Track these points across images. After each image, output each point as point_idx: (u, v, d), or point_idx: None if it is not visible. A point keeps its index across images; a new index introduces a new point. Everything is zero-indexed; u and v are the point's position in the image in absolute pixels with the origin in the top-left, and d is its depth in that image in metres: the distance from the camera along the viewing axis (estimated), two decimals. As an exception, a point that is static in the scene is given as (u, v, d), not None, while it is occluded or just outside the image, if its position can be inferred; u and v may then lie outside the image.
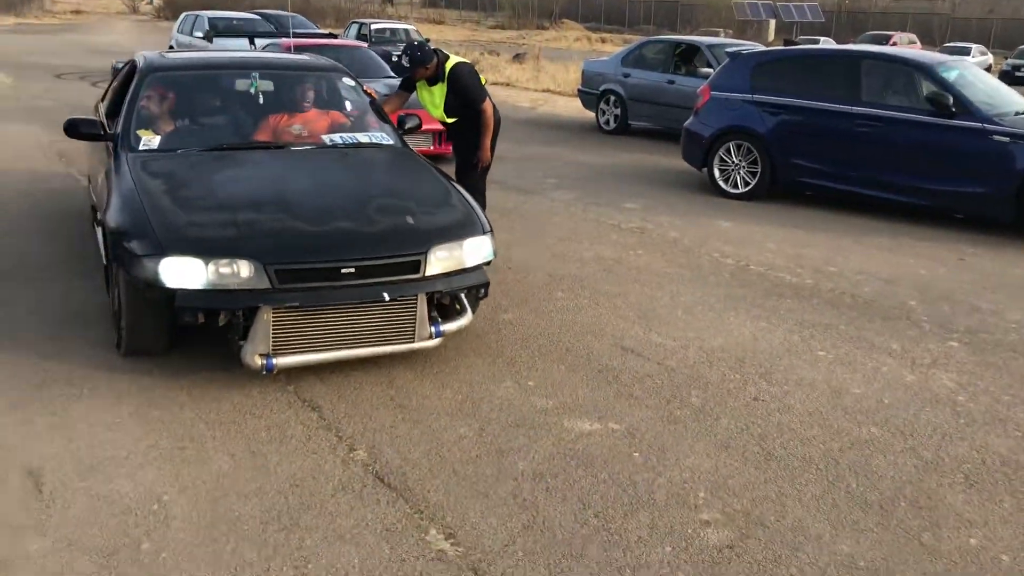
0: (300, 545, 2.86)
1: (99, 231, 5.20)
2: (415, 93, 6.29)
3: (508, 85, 20.30)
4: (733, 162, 8.67)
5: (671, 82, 12.23)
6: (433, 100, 6.22)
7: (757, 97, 8.55)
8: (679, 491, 3.27)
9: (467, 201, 4.60)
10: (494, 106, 6.30)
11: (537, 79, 21.10)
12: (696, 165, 9.09)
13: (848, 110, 7.97)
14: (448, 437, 3.62)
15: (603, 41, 43.59)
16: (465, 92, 6.11)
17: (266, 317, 3.79)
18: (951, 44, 36.79)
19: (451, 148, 6.85)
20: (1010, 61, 33.62)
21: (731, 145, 8.66)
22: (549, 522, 3.04)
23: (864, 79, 8.06)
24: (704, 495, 3.25)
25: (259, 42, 11.71)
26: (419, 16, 51.28)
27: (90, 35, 31.91)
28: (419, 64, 6.00)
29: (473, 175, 6.31)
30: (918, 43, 38.70)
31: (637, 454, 3.54)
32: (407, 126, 5.68)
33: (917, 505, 3.23)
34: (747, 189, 8.58)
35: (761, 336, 4.93)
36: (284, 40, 11.21)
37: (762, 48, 10.69)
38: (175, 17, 27.03)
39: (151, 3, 55.57)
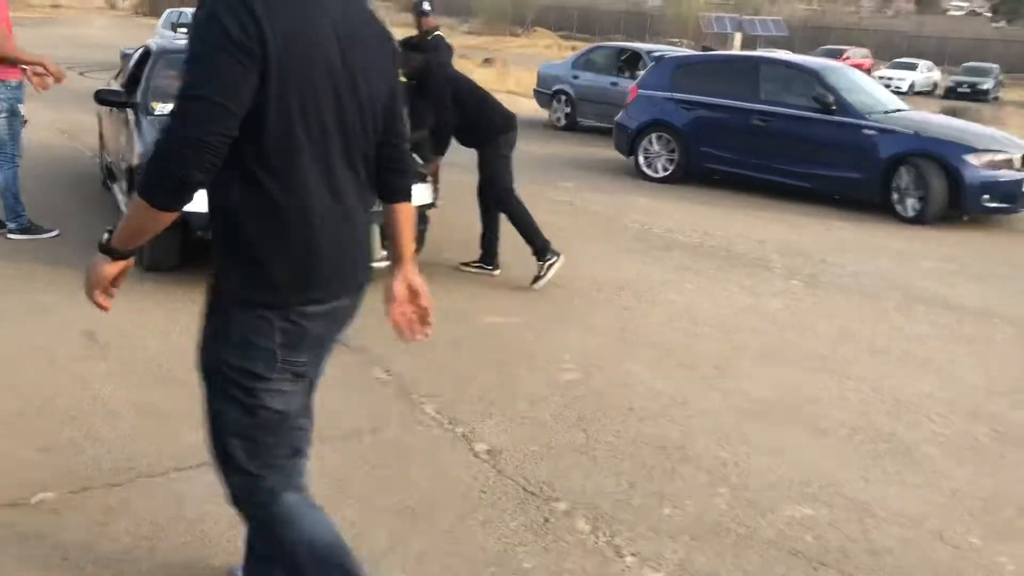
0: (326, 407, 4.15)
1: (115, 185, 6.44)
2: None
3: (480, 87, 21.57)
4: (655, 151, 10.08)
5: (614, 84, 13.64)
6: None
7: (676, 95, 9.97)
8: (552, 353, 4.61)
9: (411, 156, 5.92)
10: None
11: (503, 82, 22.46)
12: (624, 153, 10.49)
13: (748, 107, 9.41)
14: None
15: (573, 48, 44.90)
16: (442, 52, 7.58)
17: None
18: (901, 60, 38.66)
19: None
20: (954, 78, 35.63)
21: (653, 136, 10.07)
22: (456, 365, 4.37)
23: (762, 81, 9.52)
24: (568, 356, 4.60)
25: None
26: (395, 20, 52.45)
27: (71, 28, 32.81)
28: (425, 14, 7.91)
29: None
30: (871, 58, 40.61)
31: (528, 334, 4.89)
32: None
33: (720, 368, 4.60)
34: (666, 174, 9.99)
35: (644, 273, 6.30)
36: None
37: (682, 53, 12.12)
38: (152, 13, 28.08)
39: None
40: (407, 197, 2.30)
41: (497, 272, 5.98)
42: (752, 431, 3.86)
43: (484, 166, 5.95)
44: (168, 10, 22.13)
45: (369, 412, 3.83)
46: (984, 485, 3.50)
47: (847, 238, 7.83)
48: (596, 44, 16.16)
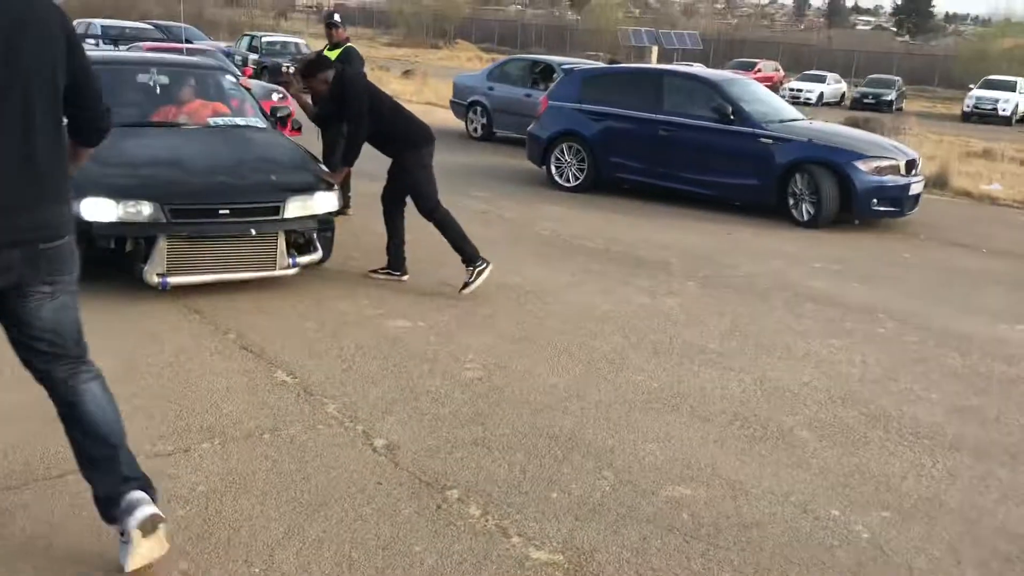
0: (186, 380, 4.22)
1: None
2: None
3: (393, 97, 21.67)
4: (566, 160, 10.34)
5: (528, 95, 13.91)
6: None
7: (584, 106, 10.26)
8: (455, 355, 4.77)
9: (318, 167, 6.08)
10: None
11: (421, 93, 22.62)
12: (537, 163, 10.74)
13: (653, 117, 9.74)
14: (296, 327, 5.04)
15: (494, 61, 45.50)
16: (353, 62, 7.71)
17: (162, 244, 5.15)
18: (810, 72, 39.97)
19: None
20: (859, 89, 36.99)
21: (563, 146, 10.34)
22: (359, 368, 4.50)
23: (666, 92, 9.87)
24: (471, 356, 4.77)
25: (121, 46, 14.13)
26: (314, 31, 52.05)
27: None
28: (335, 26, 7.98)
29: (339, 150, 7.83)
30: (781, 70, 41.92)
31: (433, 337, 5.04)
32: (278, 115, 7.10)
33: (614, 363, 4.82)
34: (577, 183, 10.26)
35: (548, 277, 6.51)
36: (144, 44, 13.63)
37: (589, 65, 12.47)
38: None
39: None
40: (95, 143, 2.84)
41: (406, 277, 6.12)
42: (640, 420, 4.08)
43: (404, 176, 6.00)
44: (75, 20, 21.77)
45: (272, 413, 3.93)
46: (848, 463, 3.78)
47: (744, 242, 8.19)
48: (510, 56, 16.45)
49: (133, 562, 2.64)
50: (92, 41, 19.21)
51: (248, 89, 7.27)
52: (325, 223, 5.76)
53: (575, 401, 4.25)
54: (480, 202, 9.27)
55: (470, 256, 5.89)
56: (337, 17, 8.17)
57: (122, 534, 2.68)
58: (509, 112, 14.18)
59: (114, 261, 5.35)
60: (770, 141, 9.08)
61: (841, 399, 4.51)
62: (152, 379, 4.21)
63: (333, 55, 8.01)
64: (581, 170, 10.25)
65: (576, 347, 5.03)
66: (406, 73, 28.42)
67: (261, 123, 6.78)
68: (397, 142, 5.99)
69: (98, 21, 21.29)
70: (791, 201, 9.00)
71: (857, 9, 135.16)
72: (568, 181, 10.33)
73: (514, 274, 6.49)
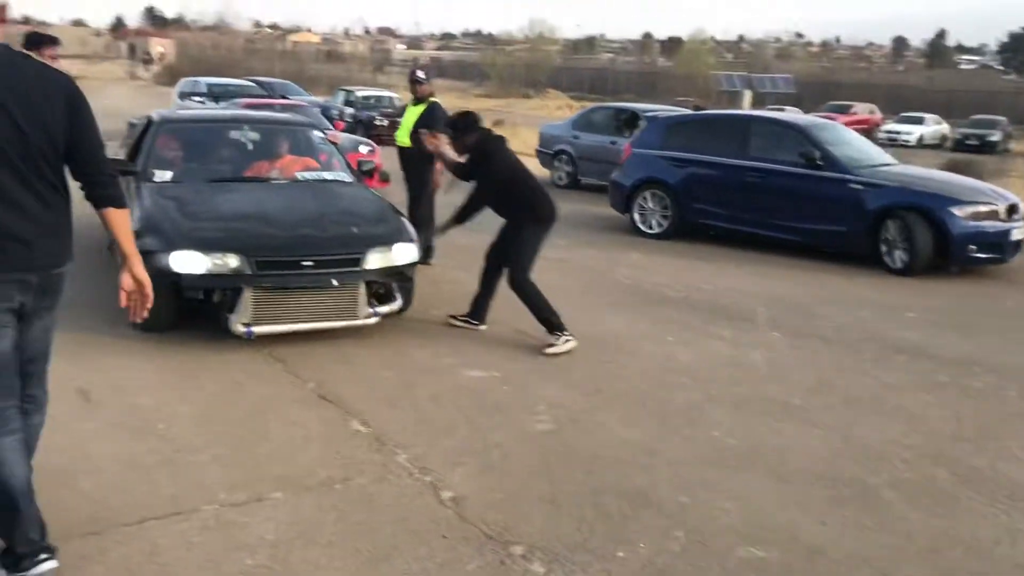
0: (264, 429, 4.31)
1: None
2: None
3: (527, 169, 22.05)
4: (649, 208, 10.29)
5: (613, 143, 13.93)
6: (409, 119, 8.13)
7: (668, 153, 10.21)
8: (527, 407, 4.75)
9: (399, 219, 6.20)
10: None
11: (509, 142, 22.88)
12: (620, 211, 10.71)
13: (739, 163, 9.62)
14: (375, 376, 5.11)
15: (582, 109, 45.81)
16: (435, 119, 7.84)
17: (248, 295, 5.31)
18: (908, 114, 38.94)
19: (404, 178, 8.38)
20: (960, 130, 35.84)
21: (647, 193, 10.29)
22: (433, 418, 4.52)
23: (752, 138, 9.75)
24: (544, 408, 4.73)
25: (222, 103, 15.24)
26: (400, 84, 53.50)
27: (92, 99, 33.59)
28: (420, 82, 8.13)
29: (423, 202, 7.97)
30: (878, 112, 40.97)
31: (507, 388, 5.04)
32: (363, 168, 7.29)
33: (690, 417, 4.71)
34: (661, 230, 10.18)
35: (626, 326, 6.45)
36: (242, 100, 14.43)
37: (673, 113, 12.42)
38: (172, 83, 28.98)
39: (148, 70, 58.04)
40: (111, 204, 2.98)
41: (483, 327, 6.15)
42: (715, 478, 3.97)
43: (517, 242, 5.95)
44: (184, 79, 22.92)
45: (344, 462, 3.97)
46: (936, 526, 3.59)
47: (834, 290, 7.96)
48: (595, 105, 16.55)
49: None
50: (198, 99, 20.14)
51: (335, 143, 7.49)
52: (404, 274, 5.86)
53: (647, 457, 4.17)
54: (561, 250, 9.25)
55: (556, 326, 5.79)
56: (421, 73, 8.35)
57: None
58: (594, 160, 14.22)
59: (202, 311, 5.54)
60: (860, 187, 8.85)
61: (931, 457, 4.30)
62: (232, 427, 4.31)
63: (418, 110, 8.19)
64: (665, 217, 10.17)
65: (652, 400, 4.94)
66: (496, 123, 28.74)
67: (347, 177, 6.96)
68: (524, 211, 6.00)
69: (204, 79, 22.34)
70: (883, 248, 8.72)
71: (960, 48, 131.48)
72: (652, 228, 10.27)
73: (591, 324, 6.45)
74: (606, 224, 11.09)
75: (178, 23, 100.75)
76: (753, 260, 9.11)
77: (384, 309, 5.77)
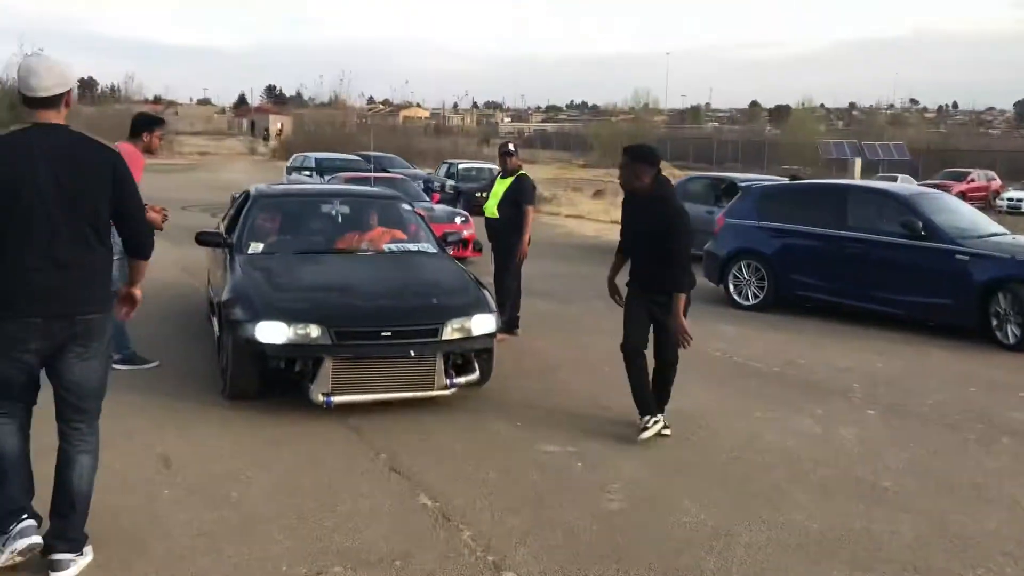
0: (333, 501, 4.32)
1: (214, 319, 6.97)
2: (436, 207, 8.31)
3: (580, 217, 22.19)
4: (744, 278, 10.07)
5: (711, 213, 13.74)
6: (498, 191, 8.25)
7: (763, 224, 10.01)
8: (600, 484, 4.62)
9: (480, 289, 6.22)
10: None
11: (608, 212, 22.92)
12: (714, 281, 10.51)
13: (837, 233, 9.34)
14: (447, 448, 5.07)
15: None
16: (524, 191, 8.06)
17: (327, 365, 5.39)
18: (1030, 181, 37.29)
19: (492, 247, 8.46)
20: (1090, 197, 34.00)
21: (742, 264, 10.08)
22: (501, 494, 4.44)
23: (850, 207, 9.46)
24: (618, 486, 4.60)
25: (326, 176, 15.99)
26: (485, 152, 54.36)
27: (213, 173, 35.61)
28: (511, 155, 8.26)
29: (509, 274, 8.01)
30: (997, 179, 39.41)
31: (580, 464, 4.92)
32: (449, 240, 7.37)
33: (772, 500, 4.49)
34: (756, 301, 9.93)
35: (713, 401, 6.25)
36: (344, 175, 15.12)
37: (768, 183, 12.19)
38: (287, 158, 30.54)
39: (267, 146, 60.95)
40: (138, 257, 3.69)
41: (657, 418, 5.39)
42: (792, 566, 3.76)
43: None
44: (295, 154, 23.93)
45: (408, 538, 3.93)
46: (1036, 630, 3.29)
47: (937, 366, 7.56)
48: (693, 174, 16.43)
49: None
50: (307, 172, 20.98)
51: (422, 216, 7.63)
52: (483, 345, 5.85)
53: (722, 540, 3.98)
54: (653, 322, 9.13)
55: (649, 408, 5.39)
56: (511, 146, 8.48)
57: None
58: (692, 230, 14.04)
59: (285, 379, 5.64)
60: (967, 257, 8.45)
61: (1035, 551, 3.97)
62: (302, 499, 4.33)
63: (507, 182, 8.28)
64: (760, 288, 9.93)
65: (733, 480, 4.74)
66: (597, 193, 28.95)
67: (432, 248, 7.07)
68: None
69: (313, 154, 23.28)
70: (994, 322, 8.25)
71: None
72: (747, 299, 10.02)
73: (678, 397, 6.23)
74: (701, 295, 10.84)
75: (296, 100, 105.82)
76: (851, 334, 8.76)
77: (462, 380, 5.77)
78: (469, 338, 5.75)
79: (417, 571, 3.63)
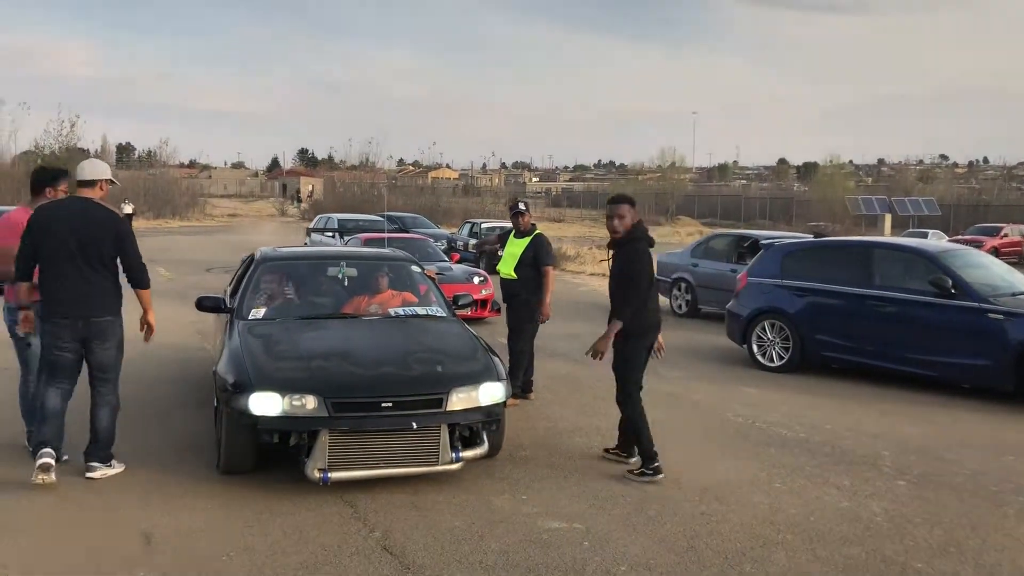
0: (318, 583, 4.04)
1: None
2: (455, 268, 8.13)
3: (604, 275, 21.91)
4: (768, 338, 9.73)
5: (733, 271, 13.46)
6: (514, 251, 7.96)
7: (786, 282, 9.71)
8: (606, 566, 4.30)
9: (489, 356, 5.87)
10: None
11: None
12: (737, 341, 10.18)
13: (863, 292, 9.01)
14: (446, 525, 4.77)
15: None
16: (542, 251, 7.85)
17: (324, 438, 5.06)
18: (1065, 233, 36.56)
19: (507, 308, 8.20)
20: None
21: (765, 324, 9.76)
22: (499, 577, 4.13)
23: (876, 265, 9.14)
24: (625, 568, 4.27)
25: (346, 237, 15.96)
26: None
27: (240, 235, 35.87)
28: (522, 214, 8.00)
29: (524, 337, 7.75)
30: (1030, 232, 38.65)
31: (587, 543, 4.60)
32: (460, 303, 7.12)
33: (793, 583, 4.15)
34: (781, 363, 9.57)
35: (731, 471, 5.90)
36: (362, 235, 14.96)
37: (791, 240, 11.89)
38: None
39: (297, 207, 61.62)
40: (138, 287, 5.51)
41: (633, 460, 5.90)
42: (813, 662, 3.40)
43: (622, 357, 5.84)
44: (318, 215, 24.00)
45: (393, 627, 3.63)
46: None
47: (972, 432, 7.15)
48: (715, 232, 16.19)
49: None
50: (329, 233, 20.97)
51: (432, 278, 7.40)
52: (491, 416, 5.51)
53: (736, 631, 3.64)
54: (672, 383, 8.81)
55: (649, 456, 5.71)
56: (522, 205, 8.20)
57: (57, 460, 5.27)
58: (714, 288, 13.78)
59: (280, 452, 5.35)
60: (1001, 316, 8.08)
61: (1085, 646, 3.58)
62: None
63: (523, 242, 8.01)
64: (785, 348, 9.58)
65: (749, 561, 4.40)
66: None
67: (441, 311, 6.78)
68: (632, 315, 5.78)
69: (336, 215, 23.37)
70: (1032, 383, 7.85)
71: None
72: (771, 361, 9.67)
73: (693, 468, 5.95)
74: (724, 356, 10.55)
75: (327, 163, 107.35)
76: (881, 397, 8.37)
77: (469, 454, 5.41)
78: (476, 408, 5.41)
79: (399, 667, 3.33)
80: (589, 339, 11.42)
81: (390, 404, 5.20)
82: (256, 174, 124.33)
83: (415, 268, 7.41)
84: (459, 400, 5.35)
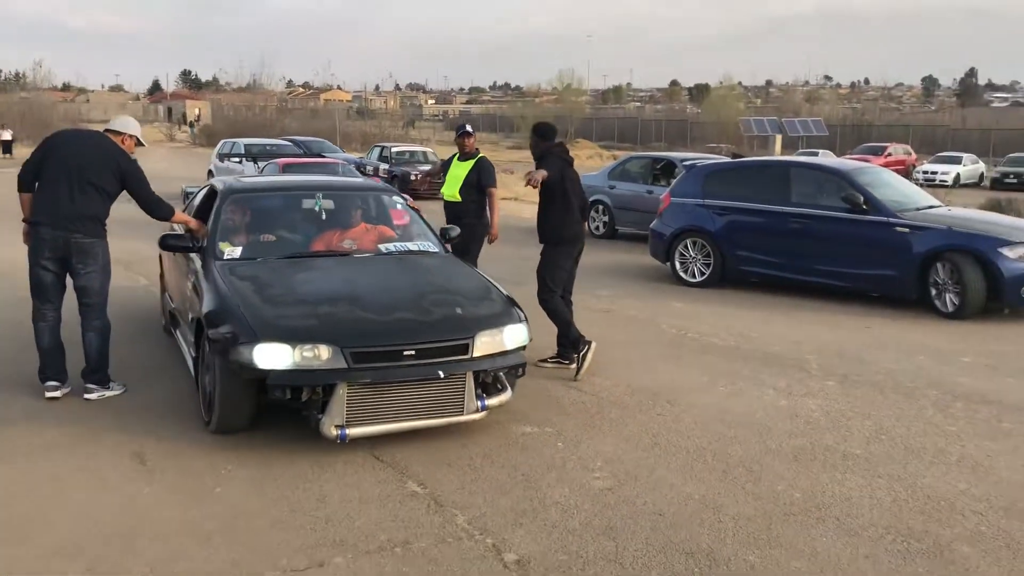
0: (320, 491, 4.28)
1: (177, 332, 6.44)
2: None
3: (516, 199, 22.20)
4: (690, 256, 10.25)
5: (650, 192, 13.96)
6: (458, 174, 7.98)
7: (708, 201, 10.19)
8: (583, 463, 4.69)
9: (505, 296, 5.53)
10: None
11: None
12: (661, 260, 10.67)
13: (780, 210, 9.57)
14: (426, 435, 5.02)
15: (614, 158, 45.94)
16: (486, 173, 7.97)
17: (342, 392, 4.58)
18: (944, 154, 38.65)
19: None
20: (999, 168, 35.46)
21: (688, 242, 10.26)
22: (488, 477, 4.47)
23: (793, 184, 9.71)
24: (600, 464, 4.67)
25: (260, 163, 15.30)
26: (440, 139, 54.10)
27: (140, 161, 34.43)
28: (468, 135, 8.06)
29: (469, 258, 7.95)
30: (913, 154, 40.70)
31: (560, 444, 4.98)
32: (450, 235, 6.76)
33: (752, 471, 4.62)
34: (703, 278, 10.12)
35: (676, 377, 6.37)
36: (279, 160, 14.54)
37: (711, 161, 12.42)
38: (209, 144, 29.66)
39: (191, 132, 59.42)
40: (164, 219, 6.13)
41: (573, 365, 6.43)
42: (783, 534, 3.87)
43: (544, 262, 6.95)
44: (223, 140, 23.38)
45: (403, 525, 3.93)
46: (1019, 584, 3.46)
47: (885, 336, 7.83)
48: (630, 155, 16.64)
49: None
50: (236, 159, 20.52)
51: (417, 209, 6.98)
52: (517, 361, 5.15)
53: (712, 513, 4.08)
54: (604, 301, 9.25)
55: (573, 341, 6.41)
56: (469, 127, 8.23)
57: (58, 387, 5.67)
58: (631, 209, 14.25)
59: (288, 408, 4.84)
60: (906, 230, 8.75)
61: (1004, 509, 4.17)
62: (288, 491, 4.29)
63: (467, 165, 8.08)
64: (707, 265, 10.12)
65: (710, 454, 4.86)
66: (528, 173, 29.04)
67: (434, 247, 6.33)
68: (548, 227, 7.03)
69: (242, 140, 22.78)
70: (933, 292, 8.59)
71: (991, 86, 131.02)
72: (693, 276, 10.21)
73: (641, 375, 6.39)
74: (647, 274, 11.06)
75: (213, 85, 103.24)
76: (800, 307, 9.01)
77: (494, 401, 5.04)
78: (503, 353, 5.07)
79: (419, 558, 3.63)
80: (514, 261, 11.72)
81: (413, 352, 4.78)
82: (137, 98, 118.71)
83: (396, 199, 6.95)
84: (484, 344, 4.99)
